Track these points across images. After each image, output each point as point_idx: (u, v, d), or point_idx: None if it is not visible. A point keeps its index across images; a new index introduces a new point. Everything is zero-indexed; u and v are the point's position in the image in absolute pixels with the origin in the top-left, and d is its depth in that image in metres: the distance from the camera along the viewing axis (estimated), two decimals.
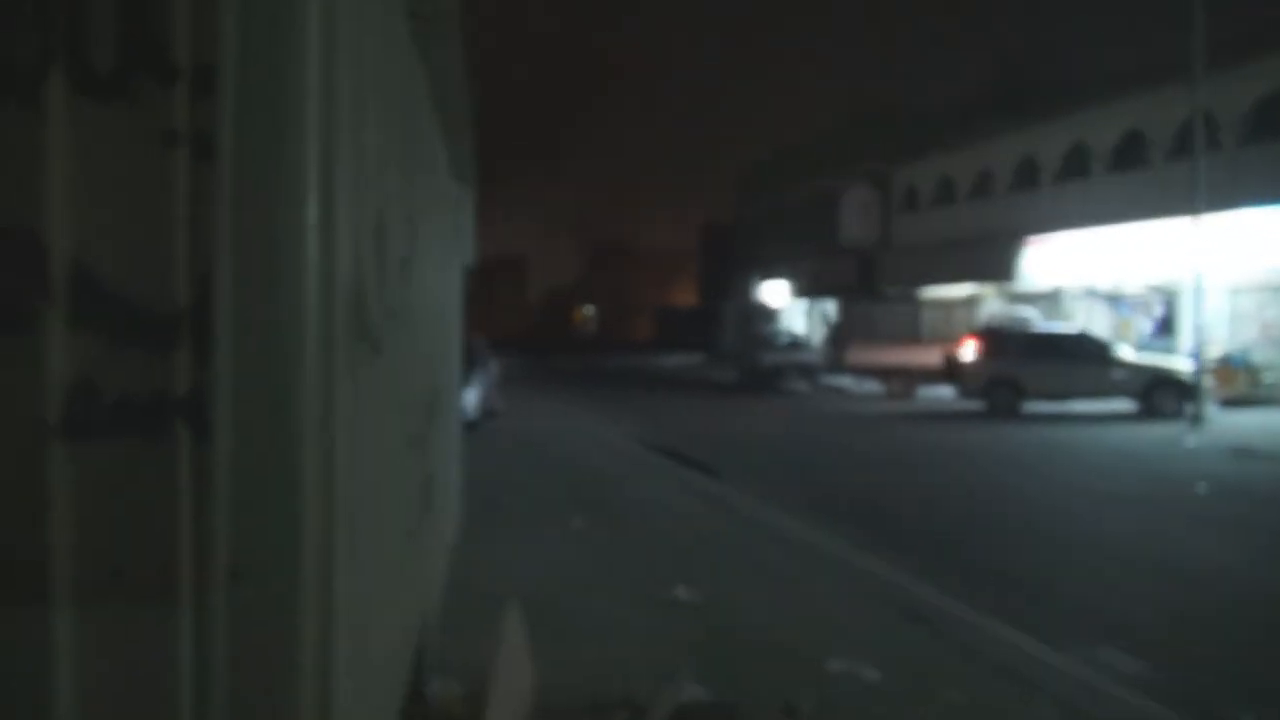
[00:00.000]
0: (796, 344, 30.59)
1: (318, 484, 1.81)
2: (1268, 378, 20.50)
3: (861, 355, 25.12)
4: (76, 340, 1.69)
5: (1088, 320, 25.15)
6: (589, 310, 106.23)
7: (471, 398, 15.52)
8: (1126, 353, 20.44)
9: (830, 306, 37.08)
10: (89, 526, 1.71)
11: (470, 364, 16.36)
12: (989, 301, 29.12)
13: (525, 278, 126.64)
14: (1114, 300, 25.96)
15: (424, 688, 3.55)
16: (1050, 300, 26.81)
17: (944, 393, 22.91)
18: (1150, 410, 18.89)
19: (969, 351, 20.47)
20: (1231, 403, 19.52)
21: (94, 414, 1.72)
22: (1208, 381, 18.04)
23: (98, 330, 1.70)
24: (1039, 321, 24.24)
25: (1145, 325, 25.14)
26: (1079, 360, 19.68)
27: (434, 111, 4.68)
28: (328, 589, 1.82)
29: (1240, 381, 20.22)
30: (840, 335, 26.83)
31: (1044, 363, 19.57)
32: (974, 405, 20.50)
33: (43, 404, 1.67)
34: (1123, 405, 19.68)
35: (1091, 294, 26.18)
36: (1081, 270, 25.15)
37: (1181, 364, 19.24)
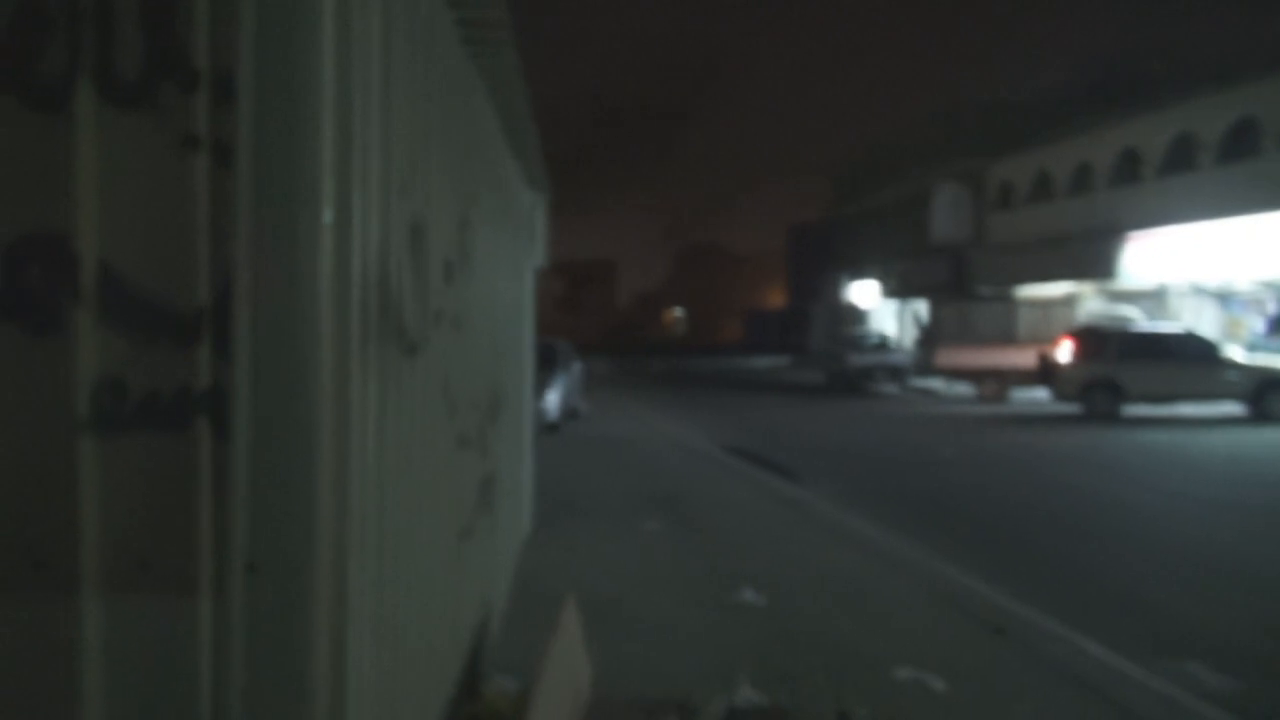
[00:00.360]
0: (885, 345, 30.02)
1: (332, 482, 1.84)
2: None
3: (951, 356, 24.44)
4: (104, 339, 1.76)
5: (1195, 319, 24.02)
6: (679, 312, 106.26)
7: (553, 400, 15.68)
8: (1236, 353, 19.46)
9: (922, 307, 36.27)
10: (116, 519, 1.78)
11: (552, 367, 16.54)
12: (1089, 300, 28.07)
13: (615, 282, 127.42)
14: (1223, 298, 24.74)
15: (480, 684, 3.59)
16: (1155, 298, 25.68)
17: (1039, 395, 22.17)
18: (1261, 414, 17.94)
19: (1064, 352, 19.76)
20: None
21: (122, 410, 1.79)
22: None
23: (124, 329, 1.77)
24: (1141, 320, 23.29)
25: (1257, 324, 23.88)
26: (1184, 361, 18.81)
27: (496, 120, 4.74)
28: (342, 583, 1.85)
29: None
30: (931, 336, 26.18)
31: (1146, 364, 18.76)
32: (1071, 409, 19.79)
33: (73, 400, 1.74)
34: (1232, 409, 18.73)
35: (1199, 292, 24.99)
36: (1188, 267, 24.01)
37: None
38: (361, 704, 1.94)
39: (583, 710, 3.88)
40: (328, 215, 1.80)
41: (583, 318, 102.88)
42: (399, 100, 2.30)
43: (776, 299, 75.34)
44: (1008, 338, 24.84)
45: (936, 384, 26.66)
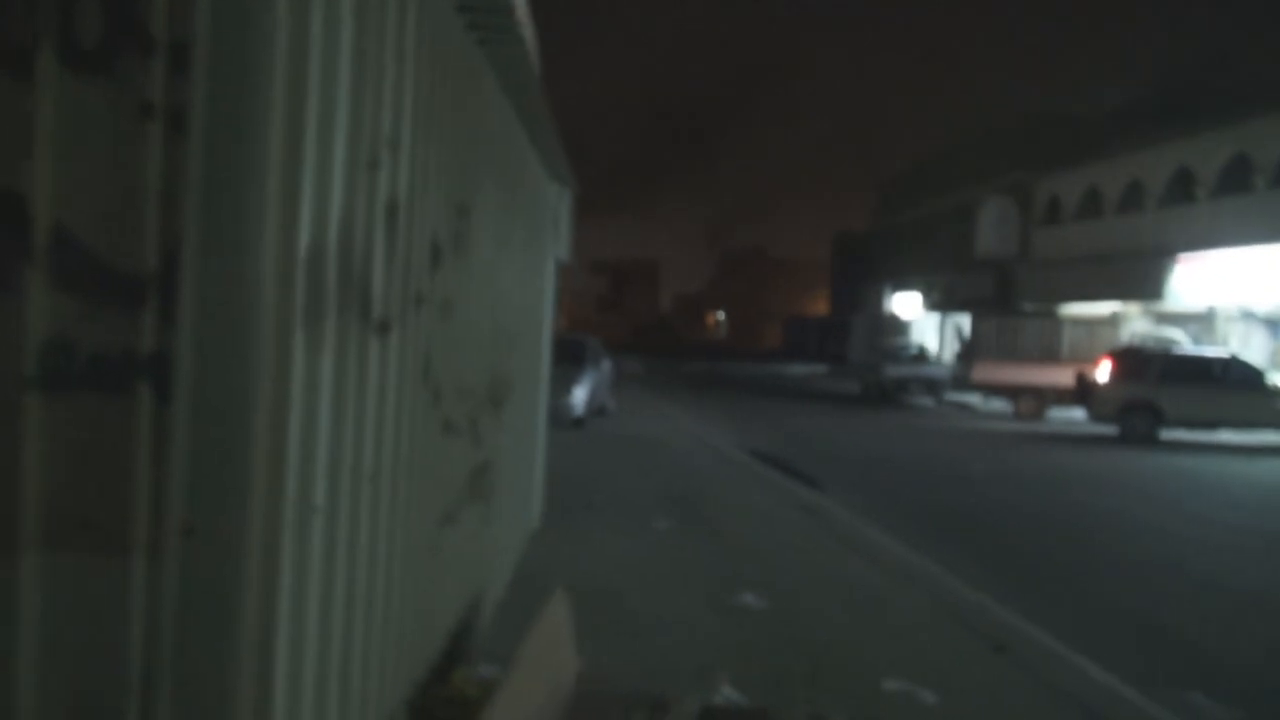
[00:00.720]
0: (922, 357, 29.69)
1: (269, 452, 1.86)
2: None
3: (988, 372, 24.05)
4: (55, 299, 1.78)
5: (1242, 345, 23.43)
6: (720, 316, 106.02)
7: (580, 395, 15.70)
8: None
9: (964, 321, 35.81)
10: (58, 478, 1.80)
11: (580, 363, 16.57)
12: (1134, 321, 27.52)
13: (658, 282, 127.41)
14: (1273, 324, 24.11)
15: (453, 669, 3.61)
16: (1202, 322, 25.10)
17: (1077, 415, 21.78)
18: None
19: (1103, 372, 19.39)
20: None
21: (69, 370, 1.82)
22: None
23: (75, 290, 1.79)
24: (1186, 343, 22.78)
25: None
26: (1228, 386, 18.37)
27: (511, 109, 4.76)
28: (276, 553, 1.87)
29: None
30: (970, 350, 25.83)
31: (1188, 388, 18.33)
32: (1108, 430, 19.41)
33: (22, 358, 1.77)
34: (1276, 438, 18.25)
35: (1248, 316, 24.38)
36: (1238, 291, 23.45)
37: None
38: (293, 673, 1.96)
39: (563, 703, 3.88)
40: (273, 185, 1.81)
41: (624, 317, 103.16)
42: (373, 77, 2.32)
43: (819, 307, 74.92)
44: (1050, 355, 24.40)
45: (973, 399, 26.30)
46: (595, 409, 17.05)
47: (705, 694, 3.75)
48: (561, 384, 15.30)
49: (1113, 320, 26.86)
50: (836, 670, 4.90)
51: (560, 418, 15.19)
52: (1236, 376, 18.58)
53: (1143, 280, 25.96)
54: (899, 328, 41.23)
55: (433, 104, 2.98)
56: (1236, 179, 24.71)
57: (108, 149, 1.77)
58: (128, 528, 1.78)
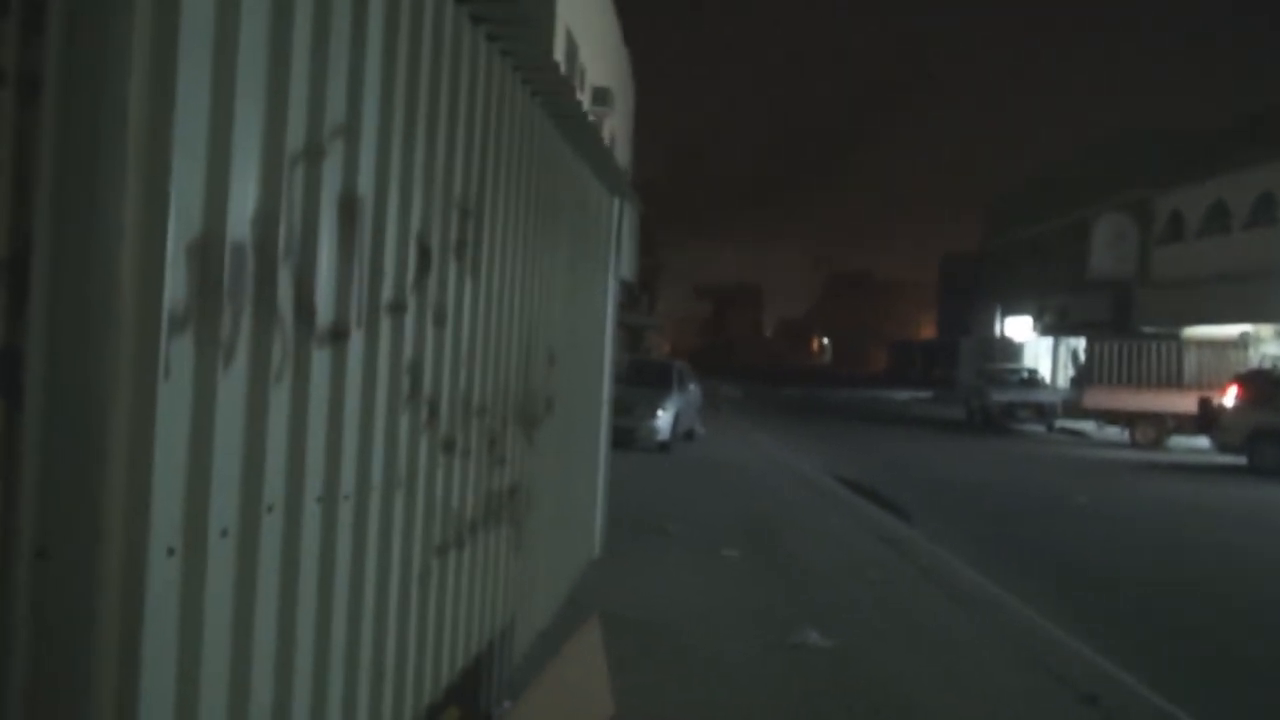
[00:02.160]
0: (1032, 381, 28.33)
1: (128, 464, 1.62)
2: None
3: (1100, 398, 22.68)
4: None
5: None
6: (825, 340, 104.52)
7: (665, 420, 15.42)
8: None
9: (1079, 344, 34.10)
10: None
11: (667, 387, 16.29)
12: (1266, 344, 25.64)
13: (761, 307, 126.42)
14: None
15: (440, 714, 3.34)
16: None
17: (1200, 443, 20.34)
18: None
19: (1230, 398, 18.04)
20: None
21: None
22: None
23: None
24: None
25: None
26: None
27: (549, 116, 4.54)
28: (138, 579, 1.63)
29: None
30: (1084, 374, 24.45)
31: None
32: (1236, 460, 18.00)
33: None
34: None
35: None
36: None
37: None
38: (165, 713, 1.70)
39: None
40: (139, 163, 1.59)
41: (728, 341, 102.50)
42: (309, 45, 2.09)
43: (926, 330, 72.91)
44: (1172, 380, 22.88)
45: (1087, 426, 24.88)
46: (682, 433, 16.72)
47: None
48: (647, 408, 15.07)
49: (1241, 343, 25.08)
50: (899, 718, 4.45)
51: (645, 442, 14.95)
52: None
53: (1276, 300, 24.19)
54: (1008, 351, 39.60)
55: (412, 86, 2.75)
56: None
57: None
58: None
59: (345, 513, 2.47)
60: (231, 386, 1.87)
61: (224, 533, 1.87)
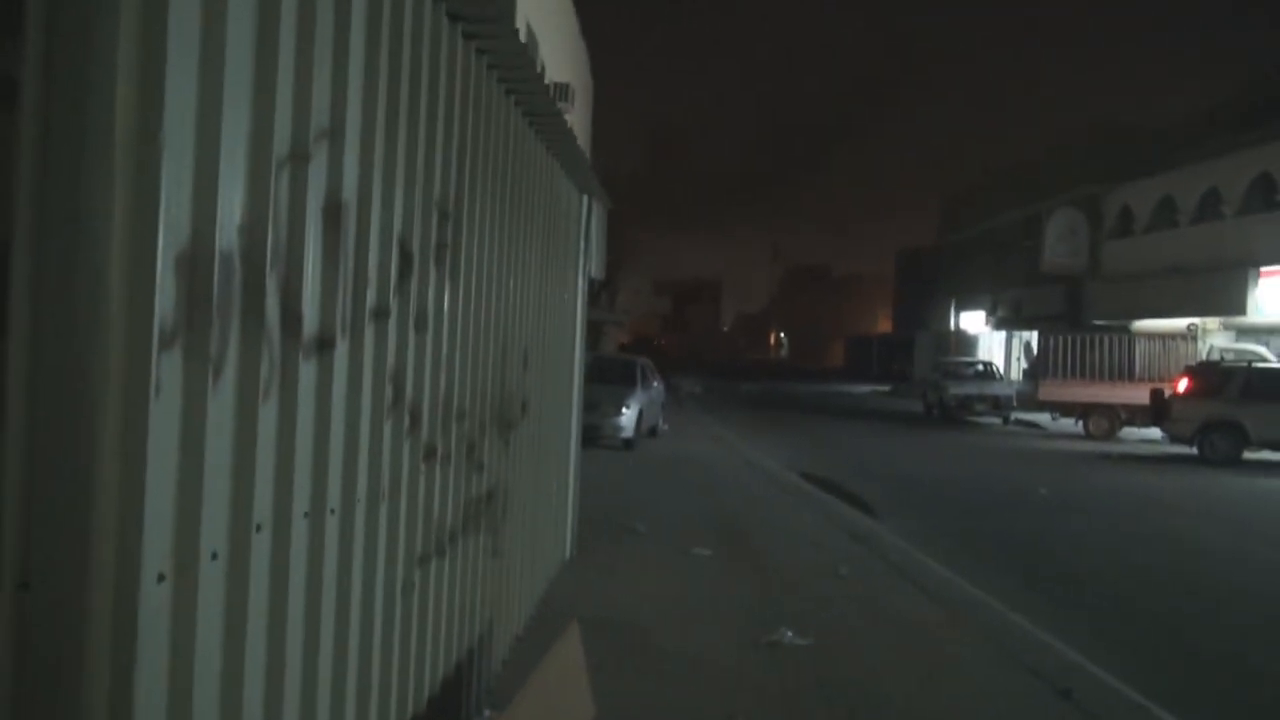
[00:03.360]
0: (988, 374, 28.72)
1: (119, 484, 1.54)
2: None
3: (1055, 390, 23.07)
4: None
5: None
6: (782, 335, 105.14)
7: (629, 417, 15.37)
8: None
9: (1033, 337, 34.66)
10: None
11: (631, 383, 16.25)
12: (1213, 336, 26.26)
13: (719, 302, 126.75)
14: None
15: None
16: None
17: (1152, 434, 20.76)
18: None
19: (1181, 389, 18.42)
20: None
21: None
22: None
23: None
24: (1271, 359, 21.62)
25: None
26: None
27: (515, 110, 4.46)
28: (129, 607, 1.55)
29: None
30: (1037, 368, 24.85)
31: (1273, 405, 17.27)
32: (1187, 450, 18.40)
33: None
34: None
35: None
36: None
37: None
38: None
39: None
40: (124, 170, 1.51)
41: (686, 337, 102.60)
42: (294, 48, 2.01)
43: (884, 325, 73.60)
44: (1123, 372, 23.33)
45: (1042, 418, 25.29)
46: (646, 430, 16.69)
47: None
48: (610, 405, 15.00)
49: (1189, 335, 25.65)
50: (874, 717, 4.45)
51: (610, 439, 14.89)
52: None
53: (1222, 293, 24.76)
54: (964, 345, 40.14)
55: (393, 84, 2.67)
56: None
57: None
58: None
59: (331, 527, 2.39)
60: (221, 402, 1.79)
61: (214, 555, 1.80)
